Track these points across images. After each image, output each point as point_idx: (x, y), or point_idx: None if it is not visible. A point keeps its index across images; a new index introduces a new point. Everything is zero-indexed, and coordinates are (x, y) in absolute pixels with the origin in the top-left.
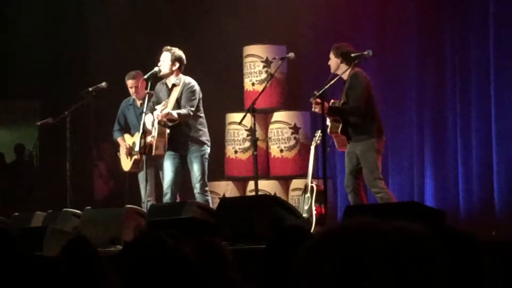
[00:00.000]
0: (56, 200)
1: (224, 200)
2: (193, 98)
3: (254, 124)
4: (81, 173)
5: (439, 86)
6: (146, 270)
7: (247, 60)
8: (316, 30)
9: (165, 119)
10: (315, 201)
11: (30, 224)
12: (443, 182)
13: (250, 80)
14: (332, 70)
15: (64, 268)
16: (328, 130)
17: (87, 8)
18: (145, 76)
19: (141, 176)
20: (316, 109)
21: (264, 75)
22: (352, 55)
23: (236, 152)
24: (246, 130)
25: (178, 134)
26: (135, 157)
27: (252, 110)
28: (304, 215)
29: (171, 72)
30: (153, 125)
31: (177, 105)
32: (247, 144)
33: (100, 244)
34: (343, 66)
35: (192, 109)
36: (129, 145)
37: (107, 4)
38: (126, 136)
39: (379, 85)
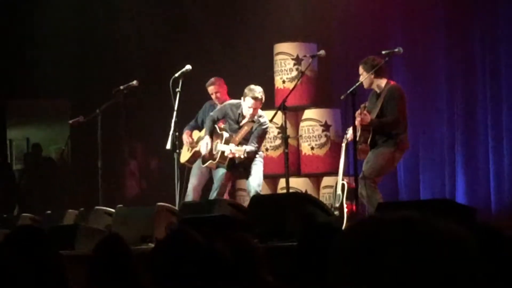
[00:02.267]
0: (88, 198)
1: (255, 197)
2: (263, 137)
3: (285, 121)
4: (113, 171)
5: (469, 82)
6: (178, 268)
7: (277, 57)
8: (346, 28)
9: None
10: (346, 199)
11: (62, 222)
12: (474, 178)
13: (281, 78)
14: (365, 86)
15: (97, 266)
16: (357, 138)
17: (116, 7)
18: (176, 75)
19: (194, 170)
20: (358, 119)
21: (294, 73)
22: (383, 52)
23: (267, 149)
24: (277, 127)
25: (240, 165)
26: (196, 149)
27: (283, 108)
28: (336, 212)
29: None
30: (207, 148)
31: (245, 138)
32: (278, 141)
33: (132, 242)
34: (377, 80)
35: (259, 146)
36: (192, 139)
37: (136, 3)
38: (195, 132)
39: (409, 82)
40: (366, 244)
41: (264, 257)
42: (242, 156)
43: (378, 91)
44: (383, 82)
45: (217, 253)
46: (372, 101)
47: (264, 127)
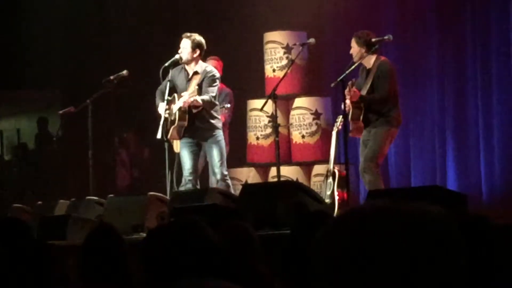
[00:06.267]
0: (79, 188)
1: (246, 186)
2: (214, 85)
3: (276, 110)
4: (104, 161)
5: (460, 69)
6: (170, 257)
7: (267, 46)
8: (336, 16)
9: (189, 105)
10: (338, 186)
11: (53, 212)
12: (465, 165)
13: (271, 67)
14: (355, 60)
15: (89, 256)
16: (349, 117)
17: None
18: (166, 64)
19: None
20: (348, 97)
21: (285, 61)
22: (373, 40)
23: (257, 138)
24: (267, 116)
25: (196, 122)
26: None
27: (274, 96)
28: (327, 200)
29: (192, 59)
30: (166, 112)
31: (198, 92)
32: (269, 130)
33: (123, 232)
34: (367, 55)
35: (213, 95)
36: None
37: None
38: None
39: (400, 69)
40: (352, 237)
41: (260, 247)
42: (197, 103)
43: (367, 66)
44: (373, 57)
45: (210, 243)
46: (362, 77)
47: (211, 74)
